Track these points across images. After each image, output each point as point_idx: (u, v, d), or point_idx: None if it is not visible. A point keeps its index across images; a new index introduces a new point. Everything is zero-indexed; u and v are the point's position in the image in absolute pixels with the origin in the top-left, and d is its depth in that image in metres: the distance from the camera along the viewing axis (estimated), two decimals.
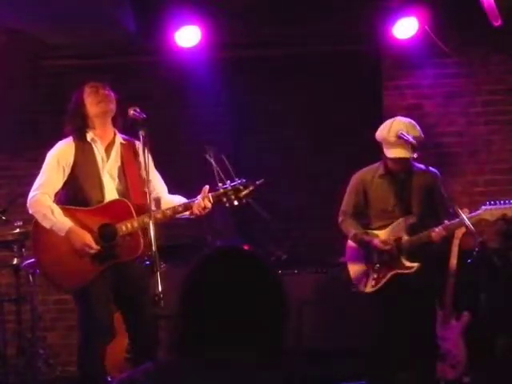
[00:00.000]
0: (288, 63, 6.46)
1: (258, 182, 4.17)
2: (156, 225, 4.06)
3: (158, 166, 4.40)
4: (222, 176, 4.17)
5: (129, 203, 4.20)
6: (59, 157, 4.25)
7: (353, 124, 6.34)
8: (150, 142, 4.11)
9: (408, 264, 4.70)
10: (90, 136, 4.27)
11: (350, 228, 4.84)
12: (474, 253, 5.28)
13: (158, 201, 4.31)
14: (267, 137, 6.53)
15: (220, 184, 4.17)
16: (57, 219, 4.14)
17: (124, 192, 4.28)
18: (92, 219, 4.19)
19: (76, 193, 4.23)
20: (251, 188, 4.16)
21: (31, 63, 6.39)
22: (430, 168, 4.71)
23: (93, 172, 4.25)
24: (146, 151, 4.10)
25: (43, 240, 4.24)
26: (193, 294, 1.68)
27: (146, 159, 4.09)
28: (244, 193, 4.14)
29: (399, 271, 4.72)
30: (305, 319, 5.60)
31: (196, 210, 4.15)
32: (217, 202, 4.17)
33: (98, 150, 4.28)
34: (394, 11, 5.90)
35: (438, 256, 4.84)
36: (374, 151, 4.78)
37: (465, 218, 4.43)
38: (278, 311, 1.70)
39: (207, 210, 4.17)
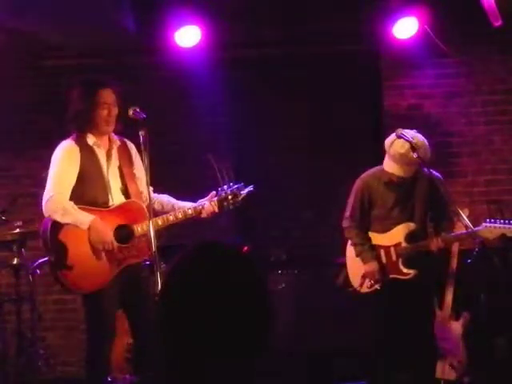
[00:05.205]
0: (288, 63, 6.45)
1: (250, 188, 4.34)
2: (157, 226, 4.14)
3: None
4: (221, 180, 4.29)
5: (142, 205, 4.23)
6: (69, 154, 4.21)
7: (353, 124, 6.34)
8: (149, 141, 4.11)
9: (405, 270, 4.73)
10: (91, 140, 4.27)
11: (356, 239, 4.84)
12: (474, 253, 5.27)
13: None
14: (267, 136, 6.52)
15: (219, 188, 4.29)
16: (78, 212, 4.10)
17: (125, 192, 4.31)
18: (108, 220, 4.17)
19: (83, 194, 4.19)
20: (245, 193, 4.33)
21: (31, 63, 6.39)
22: (434, 172, 4.70)
23: (98, 174, 4.25)
24: (146, 151, 4.10)
25: (61, 241, 4.10)
26: (170, 299, 1.58)
27: (146, 159, 4.09)
28: (240, 197, 4.32)
29: (396, 276, 4.74)
30: (304, 319, 5.61)
31: (205, 214, 4.28)
32: (220, 206, 4.33)
33: (101, 153, 4.29)
34: (393, 11, 5.90)
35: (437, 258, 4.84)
36: (374, 151, 4.77)
37: (465, 218, 4.43)
38: (259, 313, 1.58)
39: (214, 215, 4.31)
